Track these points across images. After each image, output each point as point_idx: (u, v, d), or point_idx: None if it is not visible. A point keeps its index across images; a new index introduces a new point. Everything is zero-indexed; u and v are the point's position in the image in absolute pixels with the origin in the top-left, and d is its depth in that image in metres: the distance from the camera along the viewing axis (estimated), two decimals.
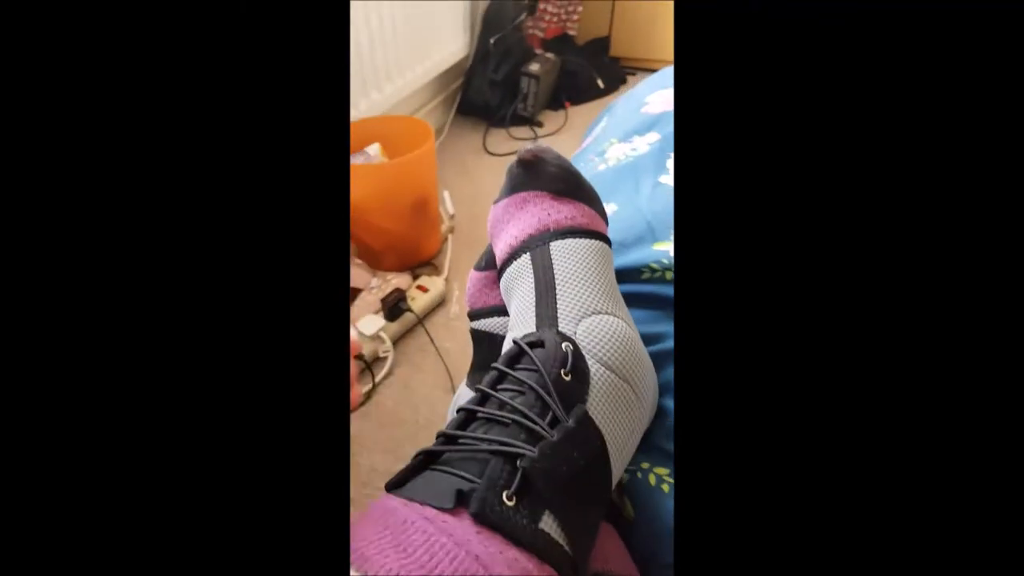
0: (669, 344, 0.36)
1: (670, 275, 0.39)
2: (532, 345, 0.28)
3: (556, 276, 0.32)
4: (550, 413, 0.25)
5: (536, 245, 0.34)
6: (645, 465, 0.34)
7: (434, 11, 1.23)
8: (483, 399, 0.27)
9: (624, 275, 0.41)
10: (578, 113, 1.60)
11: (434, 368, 0.85)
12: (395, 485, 0.24)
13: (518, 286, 0.34)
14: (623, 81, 1.75)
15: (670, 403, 0.34)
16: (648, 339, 0.37)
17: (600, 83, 1.64)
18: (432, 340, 0.88)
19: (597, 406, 0.27)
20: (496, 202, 0.39)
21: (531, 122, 1.51)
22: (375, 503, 0.22)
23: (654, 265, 0.40)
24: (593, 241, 0.34)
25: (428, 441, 0.26)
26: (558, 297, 0.31)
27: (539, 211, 0.35)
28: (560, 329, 0.29)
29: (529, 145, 0.38)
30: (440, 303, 0.96)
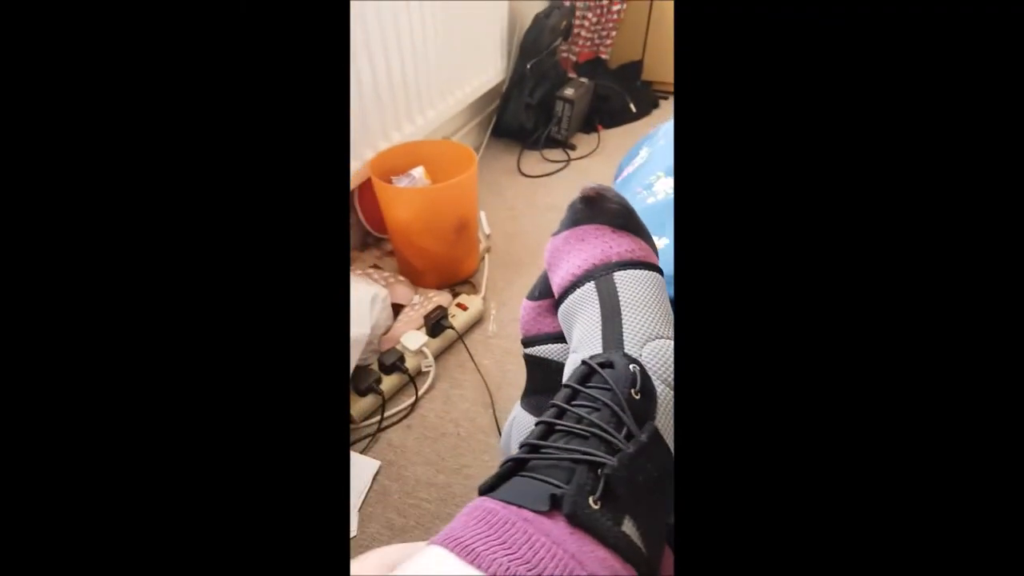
0: None
1: None
2: (603, 365, 0.31)
3: (621, 302, 0.35)
4: (624, 428, 0.27)
5: (600, 274, 0.37)
6: None
7: (475, 37, 1.29)
8: (560, 413, 0.29)
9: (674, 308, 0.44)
10: (610, 136, 1.63)
11: (473, 383, 0.88)
12: (488, 489, 0.27)
13: (582, 311, 0.37)
14: (655, 105, 1.78)
15: None
16: None
17: (633, 107, 1.67)
18: (472, 356, 0.91)
19: (664, 423, 0.29)
20: (555, 234, 0.43)
21: (564, 145, 1.55)
22: (473, 504, 0.25)
23: None
24: (651, 272, 0.38)
25: (470, 454, 0.29)
26: (624, 322, 0.34)
27: (602, 243, 0.39)
28: (626, 351, 0.32)
29: (590, 183, 0.41)
30: (478, 321, 0.99)
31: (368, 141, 1.00)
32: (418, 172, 1.02)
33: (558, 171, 1.47)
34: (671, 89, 1.87)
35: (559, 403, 0.30)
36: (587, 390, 0.30)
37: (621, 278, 0.36)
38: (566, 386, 0.31)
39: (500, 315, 1.01)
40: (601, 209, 0.40)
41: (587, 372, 0.31)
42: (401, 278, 1.00)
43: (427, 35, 1.08)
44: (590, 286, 0.37)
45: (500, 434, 0.76)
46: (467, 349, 0.92)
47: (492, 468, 0.37)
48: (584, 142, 1.60)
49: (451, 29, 1.16)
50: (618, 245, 0.38)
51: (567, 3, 1.55)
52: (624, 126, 1.67)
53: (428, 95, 1.16)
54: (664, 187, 0.56)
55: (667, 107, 1.81)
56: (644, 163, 0.68)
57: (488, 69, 1.40)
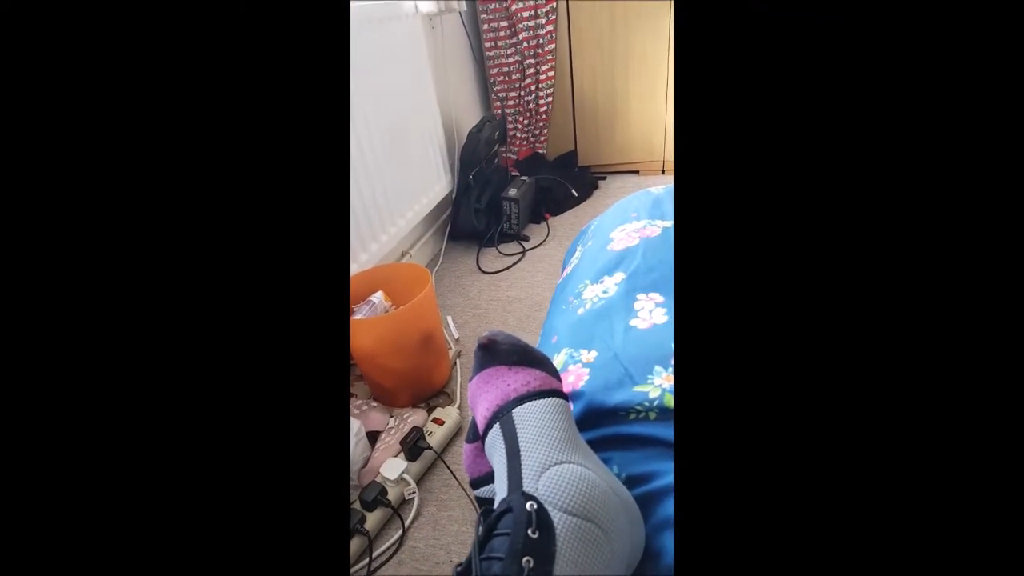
0: (661, 482, 0.41)
1: (654, 415, 0.45)
2: (505, 512, 0.34)
3: (519, 440, 0.39)
4: (524, 572, 0.30)
5: (503, 414, 0.41)
6: None
7: (416, 160, 1.40)
8: (467, 570, 0.32)
9: (612, 417, 0.47)
10: (559, 222, 1.74)
11: (460, 502, 0.87)
12: None
13: (496, 453, 0.41)
14: (595, 186, 1.91)
15: (668, 542, 0.38)
16: (640, 479, 0.42)
17: (574, 192, 1.79)
18: (454, 474, 0.91)
19: (565, 551, 0.32)
20: (470, 379, 0.48)
21: (518, 238, 1.64)
22: None
23: (638, 407, 0.45)
24: (547, 400, 0.42)
25: None
26: (523, 459, 0.37)
27: (501, 384, 0.43)
28: (524, 489, 0.35)
29: (485, 332, 0.48)
30: (457, 432, 1.00)
31: None
32: (377, 297, 1.07)
33: (515, 263, 1.54)
34: (607, 169, 2.02)
35: (470, 558, 0.33)
36: (493, 538, 0.33)
37: (519, 414, 0.41)
38: (476, 538, 0.34)
39: None
40: (496, 352, 0.46)
41: (493, 521, 0.34)
42: (374, 403, 1.01)
43: (370, 165, 1.17)
44: (496, 429, 0.41)
45: None
46: (448, 467, 0.92)
47: None
48: (536, 232, 1.69)
49: (392, 155, 1.26)
50: (515, 382, 0.43)
51: (497, 113, 1.71)
52: (570, 211, 1.78)
53: (380, 221, 1.24)
54: (591, 295, 0.61)
55: (606, 186, 1.94)
56: (576, 266, 0.73)
57: (434, 184, 1.51)
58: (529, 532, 0.31)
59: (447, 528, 0.84)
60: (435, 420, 0.98)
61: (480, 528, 0.34)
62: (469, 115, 1.82)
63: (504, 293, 1.43)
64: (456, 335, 1.27)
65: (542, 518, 0.32)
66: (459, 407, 1.05)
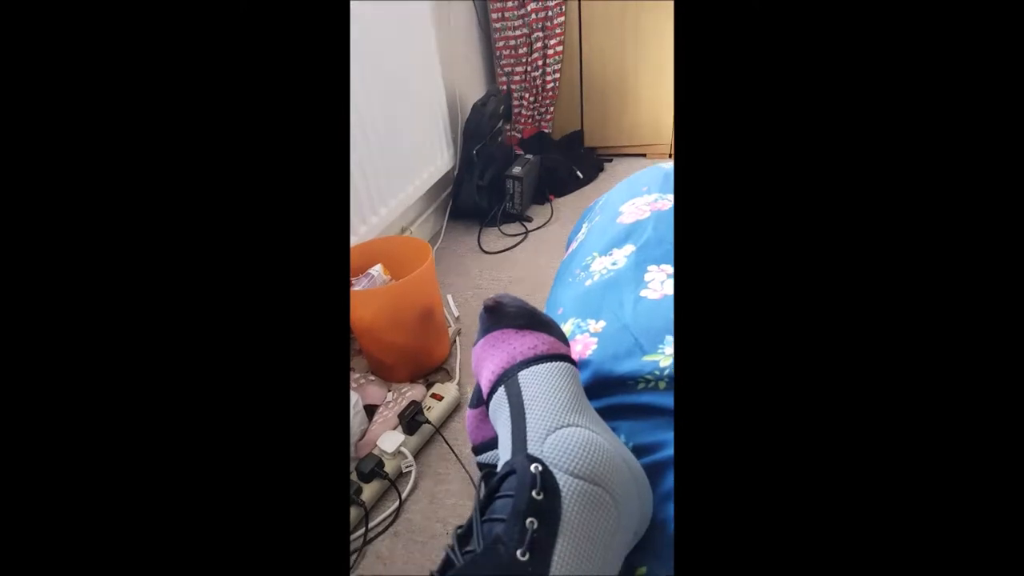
0: (669, 452, 0.40)
1: (663, 385, 0.43)
2: (508, 474, 0.33)
3: (525, 401, 0.37)
4: (527, 534, 0.29)
5: (508, 377, 0.40)
6: None
7: (418, 133, 1.37)
8: (467, 532, 0.31)
9: (620, 386, 0.45)
10: (563, 204, 1.71)
11: (457, 476, 0.87)
12: None
13: (500, 416, 0.39)
14: (601, 168, 1.88)
15: (672, 511, 0.37)
16: (647, 449, 0.41)
17: (579, 173, 1.77)
18: (452, 448, 0.90)
19: (571, 514, 0.30)
20: (474, 345, 0.46)
21: (520, 218, 1.61)
22: None
23: (648, 376, 0.44)
24: (555, 363, 0.40)
25: None
26: (528, 421, 0.36)
27: (507, 347, 0.42)
28: (529, 451, 0.34)
29: (491, 295, 0.46)
30: (456, 408, 0.99)
31: None
32: (376, 270, 1.05)
33: (518, 244, 1.52)
34: (613, 152, 1.98)
35: (464, 526, 0.31)
36: (495, 501, 0.32)
37: (525, 377, 0.39)
38: (477, 500, 0.33)
39: None
40: (503, 315, 0.44)
41: (496, 483, 0.33)
42: (372, 377, 1.00)
43: (370, 135, 1.15)
44: (501, 392, 0.40)
45: None
46: (446, 442, 0.91)
47: None
48: (539, 213, 1.67)
49: (393, 126, 1.23)
50: (521, 344, 0.41)
51: (503, 88, 1.67)
52: (575, 193, 1.75)
53: (379, 193, 1.21)
54: (598, 267, 0.59)
55: (612, 169, 1.91)
56: (583, 241, 0.71)
57: (436, 159, 1.48)
58: (534, 493, 0.30)
59: (444, 502, 0.83)
60: (434, 395, 0.97)
61: (481, 490, 0.33)
62: (474, 88, 1.78)
63: (505, 273, 1.41)
64: (456, 313, 1.26)
65: (547, 480, 0.31)
66: (458, 383, 1.04)
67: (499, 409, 0.39)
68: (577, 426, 0.35)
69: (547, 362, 0.40)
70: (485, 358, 0.43)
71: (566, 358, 0.41)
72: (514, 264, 1.45)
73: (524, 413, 0.36)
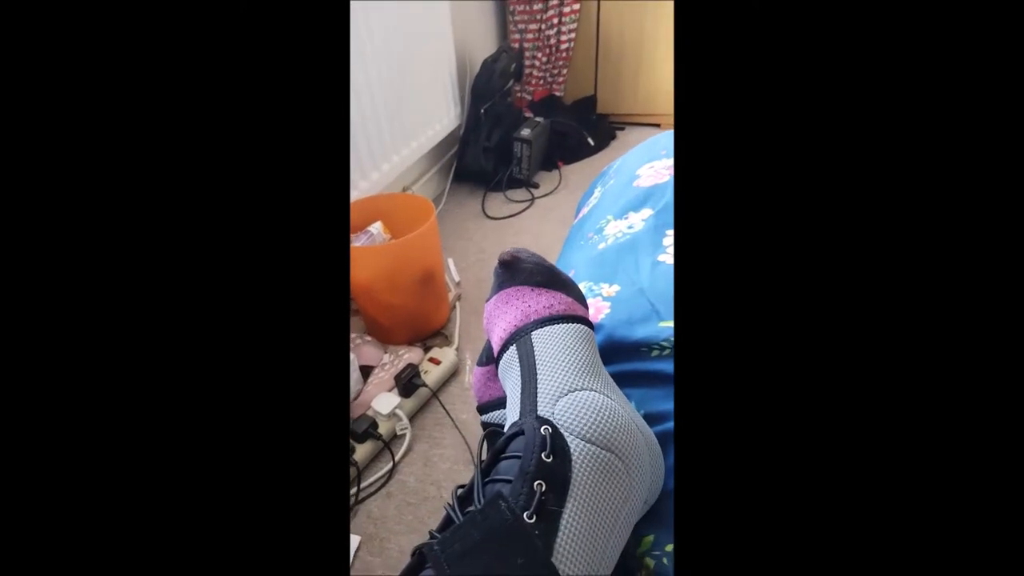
0: None
1: None
2: (516, 435, 0.30)
3: (537, 362, 0.35)
4: (535, 495, 0.27)
5: (521, 336, 0.37)
6: (669, 548, 0.35)
7: (424, 88, 1.31)
8: (469, 491, 0.29)
9: (634, 352, 0.43)
10: (572, 171, 1.66)
11: (452, 441, 0.85)
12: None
13: (509, 376, 0.37)
14: (613, 137, 1.82)
15: None
16: (658, 417, 0.38)
17: (591, 141, 1.71)
18: (448, 413, 0.88)
19: (581, 479, 0.28)
20: (487, 300, 0.43)
21: (527, 184, 1.57)
22: None
23: (663, 343, 0.41)
24: (571, 325, 0.37)
25: None
26: (539, 382, 0.33)
27: (522, 304, 0.39)
28: (539, 413, 0.31)
29: (508, 249, 0.42)
30: (454, 373, 0.97)
31: None
32: (376, 228, 1.01)
33: (523, 211, 1.48)
34: (626, 120, 1.92)
35: (466, 484, 0.30)
36: (500, 462, 0.30)
37: (539, 336, 0.37)
38: (482, 461, 0.31)
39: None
40: (519, 271, 0.41)
41: (502, 444, 0.31)
42: (368, 338, 0.97)
43: (375, 88, 1.09)
44: (512, 350, 0.37)
45: None
46: (443, 406, 0.89)
47: None
48: (547, 180, 1.62)
49: (399, 79, 1.17)
50: (536, 303, 0.39)
51: (515, 46, 1.60)
52: (584, 160, 1.70)
53: (382, 149, 1.16)
54: (613, 230, 0.56)
55: (624, 138, 1.85)
56: (596, 204, 0.68)
57: (442, 117, 1.42)
58: (543, 456, 0.28)
59: (438, 465, 0.82)
60: (431, 359, 0.95)
61: (484, 449, 0.30)
62: (484, 44, 1.71)
63: (510, 240, 1.37)
64: (457, 278, 1.23)
65: (557, 443, 0.29)
66: (457, 349, 1.02)
67: (509, 368, 0.37)
68: (592, 390, 0.33)
69: (563, 323, 0.37)
70: (498, 314, 0.40)
71: (584, 320, 0.38)
72: (519, 231, 1.41)
73: (536, 374, 0.34)
